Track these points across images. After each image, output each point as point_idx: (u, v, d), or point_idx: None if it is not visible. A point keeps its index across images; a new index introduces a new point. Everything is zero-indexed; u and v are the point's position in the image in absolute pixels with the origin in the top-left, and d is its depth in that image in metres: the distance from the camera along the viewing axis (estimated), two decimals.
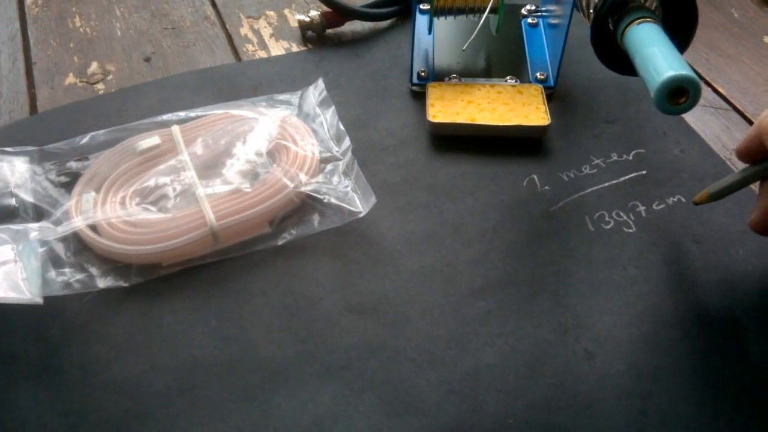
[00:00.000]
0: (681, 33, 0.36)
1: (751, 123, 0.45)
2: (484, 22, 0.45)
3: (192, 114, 0.43)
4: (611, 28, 0.36)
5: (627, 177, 0.42)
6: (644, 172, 0.42)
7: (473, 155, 0.43)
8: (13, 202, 0.38)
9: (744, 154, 0.35)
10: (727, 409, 0.32)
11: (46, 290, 0.35)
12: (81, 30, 0.53)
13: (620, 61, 0.37)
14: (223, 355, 0.34)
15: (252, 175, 0.39)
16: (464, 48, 0.46)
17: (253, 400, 0.32)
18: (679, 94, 0.30)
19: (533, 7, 0.52)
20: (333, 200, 0.39)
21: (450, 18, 0.47)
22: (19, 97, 0.48)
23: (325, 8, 0.51)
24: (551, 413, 0.31)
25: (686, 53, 0.36)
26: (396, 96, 0.47)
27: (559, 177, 0.42)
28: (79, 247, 0.37)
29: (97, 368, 0.33)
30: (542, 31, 0.51)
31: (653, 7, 0.37)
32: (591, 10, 0.37)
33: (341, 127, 0.42)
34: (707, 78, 0.49)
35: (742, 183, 0.35)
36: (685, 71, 0.29)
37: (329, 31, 0.52)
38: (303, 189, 0.39)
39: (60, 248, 0.37)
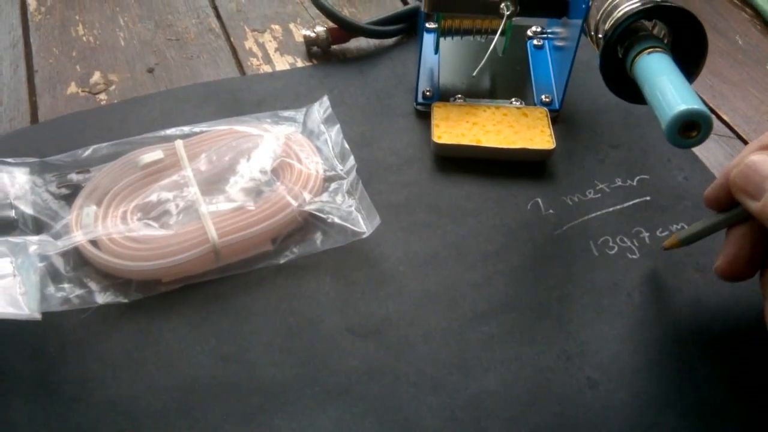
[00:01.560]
0: (689, 63, 0.36)
1: None
2: (490, 43, 0.45)
3: (196, 129, 0.42)
4: (620, 56, 0.36)
5: (631, 203, 0.42)
6: (648, 198, 0.42)
7: (477, 177, 0.43)
8: (12, 213, 0.38)
9: (713, 202, 0.35)
10: None
11: (45, 306, 0.34)
12: (84, 39, 0.53)
13: (628, 88, 0.37)
14: (222, 375, 0.33)
15: (255, 193, 0.39)
16: (474, 74, 0.45)
17: (251, 423, 0.32)
18: (691, 128, 0.30)
19: (539, 29, 0.52)
20: (336, 220, 0.38)
21: (456, 38, 0.47)
22: (20, 105, 0.47)
23: (331, 24, 0.51)
24: None
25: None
26: (401, 115, 0.47)
27: (564, 201, 0.41)
28: (79, 261, 0.36)
29: (93, 386, 0.32)
30: (548, 53, 0.51)
31: (662, 36, 0.37)
32: (600, 36, 0.37)
33: (346, 145, 0.42)
34: (711, 105, 0.49)
35: (711, 230, 0.35)
36: (697, 105, 0.29)
37: (334, 47, 0.52)
38: (306, 208, 0.38)
39: (59, 262, 0.36)
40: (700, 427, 0.32)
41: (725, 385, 0.33)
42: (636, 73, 0.34)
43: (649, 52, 0.33)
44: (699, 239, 0.36)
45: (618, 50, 0.36)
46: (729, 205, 0.34)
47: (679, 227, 0.40)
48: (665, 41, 0.36)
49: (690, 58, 0.36)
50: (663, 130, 0.30)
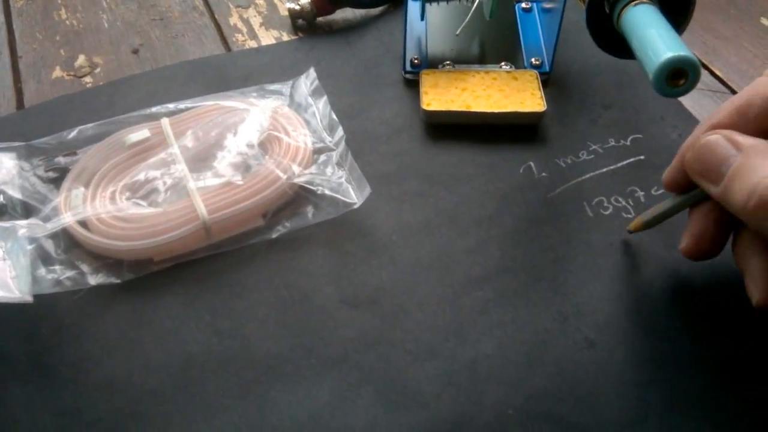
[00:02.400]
0: (678, 15, 0.35)
1: None
2: (477, 6, 0.44)
3: (182, 106, 0.42)
4: (607, 11, 0.36)
5: (625, 162, 0.41)
6: (642, 157, 0.41)
7: (468, 143, 0.42)
8: (0, 199, 0.38)
9: (672, 185, 0.34)
10: (730, 398, 0.31)
11: (36, 288, 0.34)
12: (67, 22, 0.52)
13: (617, 44, 0.37)
14: (217, 350, 0.33)
15: (244, 168, 0.38)
16: (457, 33, 0.45)
17: (248, 396, 0.32)
18: (679, 76, 0.29)
19: None
20: (327, 191, 0.38)
21: (442, 4, 0.46)
22: (6, 92, 0.47)
23: None
24: (552, 403, 0.31)
25: (682, 36, 0.35)
26: (389, 84, 0.46)
27: (556, 163, 0.41)
28: (69, 243, 0.36)
29: (89, 367, 0.32)
30: (536, 16, 0.50)
31: None
32: None
33: (334, 116, 0.42)
34: (704, 61, 0.48)
35: (674, 210, 0.34)
36: (683, 52, 0.29)
37: (320, 19, 0.51)
38: (296, 180, 0.38)
39: (49, 245, 0.36)
40: (698, 383, 0.32)
41: (724, 341, 0.33)
42: (623, 26, 0.34)
43: (635, 4, 0.33)
44: (662, 220, 0.35)
45: (605, 5, 0.36)
46: (688, 186, 0.33)
47: None
48: None
49: (678, 11, 0.36)
50: (651, 81, 0.29)
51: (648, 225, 0.36)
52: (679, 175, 0.33)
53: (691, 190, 0.33)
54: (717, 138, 0.29)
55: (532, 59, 0.46)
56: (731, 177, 0.28)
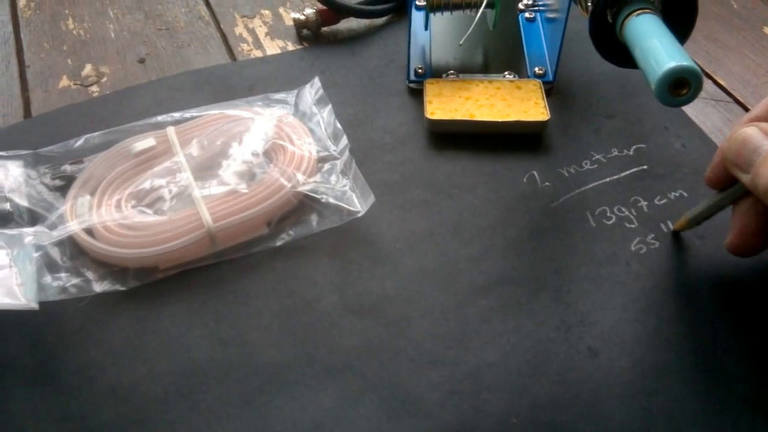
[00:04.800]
0: (681, 24, 0.35)
1: None
2: (481, 16, 0.44)
3: (187, 115, 0.42)
4: (610, 20, 0.36)
5: (628, 172, 0.41)
6: (645, 166, 0.41)
7: (472, 152, 0.42)
8: (7, 206, 0.38)
9: (713, 181, 0.35)
10: (733, 406, 0.31)
11: (42, 295, 0.34)
12: (74, 32, 0.53)
13: (620, 53, 0.37)
14: (221, 358, 0.33)
15: (249, 176, 0.39)
16: (461, 43, 0.45)
17: (252, 404, 0.32)
18: (681, 86, 0.29)
19: (530, 1, 0.52)
20: (331, 200, 0.38)
21: (446, 14, 0.46)
22: (13, 100, 0.47)
23: (321, 6, 0.51)
24: (555, 412, 0.31)
25: (686, 45, 0.36)
26: (393, 93, 0.46)
27: (560, 173, 0.41)
28: (75, 251, 0.37)
29: (94, 374, 0.33)
30: (540, 26, 0.50)
31: None
32: (589, 3, 0.37)
33: (338, 125, 0.42)
34: (708, 70, 0.49)
35: (717, 207, 0.35)
36: (686, 62, 0.29)
37: (325, 29, 0.52)
38: (301, 189, 0.38)
39: (55, 253, 0.36)
40: (702, 392, 0.32)
41: (727, 350, 0.33)
42: (626, 36, 0.34)
43: (638, 14, 0.33)
44: (707, 218, 0.36)
45: (607, 15, 0.36)
46: (729, 181, 0.34)
47: (677, 195, 0.40)
48: (655, 4, 0.35)
49: (681, 21, 0.36)
50: (653, 90, 0.30)
51: (692, 223, 0.36)
52: (720, 170, 0.33)
53: (732, 186, 0.34)
54: (752, 129, 0.30)
55: (536, 69, 0.46)
56: (760, 163, 0.29)
